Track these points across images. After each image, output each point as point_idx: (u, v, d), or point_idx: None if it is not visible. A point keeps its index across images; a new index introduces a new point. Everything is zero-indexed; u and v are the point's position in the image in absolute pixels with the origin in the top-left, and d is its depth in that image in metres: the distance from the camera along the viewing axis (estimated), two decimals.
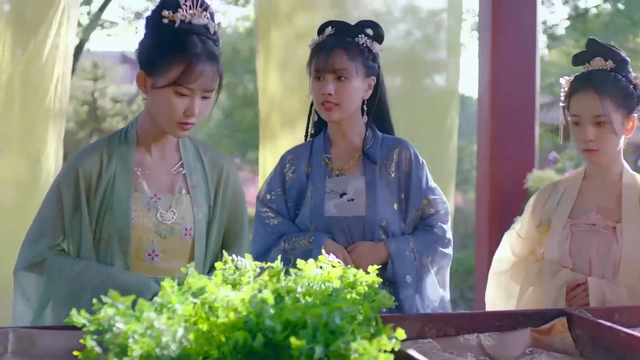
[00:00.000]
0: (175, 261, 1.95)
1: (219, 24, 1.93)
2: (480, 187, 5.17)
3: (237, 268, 1.49)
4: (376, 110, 2.31)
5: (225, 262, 1.49)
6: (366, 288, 1.43)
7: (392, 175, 2.27)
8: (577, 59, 2.27)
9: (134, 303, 1.19)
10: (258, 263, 1.51)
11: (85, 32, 12.01)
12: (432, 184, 2.34)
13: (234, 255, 1.54)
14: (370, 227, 2.22)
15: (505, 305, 2.31)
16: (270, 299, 1.21)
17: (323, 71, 2.19)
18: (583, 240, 2.21)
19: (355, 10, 4.33)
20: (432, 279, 2.26)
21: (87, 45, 12.21)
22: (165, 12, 1.86)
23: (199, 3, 1.89)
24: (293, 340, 1.12)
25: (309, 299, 1.31)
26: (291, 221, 2.27)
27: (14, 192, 3.36)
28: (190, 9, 1.87)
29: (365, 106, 2.28)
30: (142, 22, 1.94)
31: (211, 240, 2.04)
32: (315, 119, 2.34)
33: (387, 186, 2.25)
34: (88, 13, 12.05)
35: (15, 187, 3.35)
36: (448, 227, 2.33)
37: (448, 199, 3.28)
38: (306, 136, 2.39)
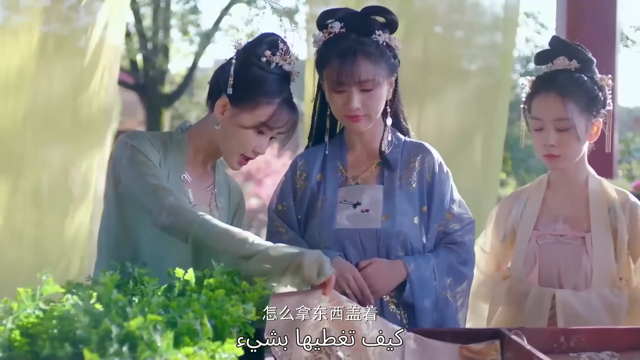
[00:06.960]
0: None
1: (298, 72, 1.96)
2: None
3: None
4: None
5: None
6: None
7: (414, 185, 2.02)
8: (540, 58, 2.08)
9: None
10: None
11: (202, 43, 12.43)
12: (457, 195, 2.08)
13: None
14: (385, 242, 1.96)
15: (469, 326, 2.14)
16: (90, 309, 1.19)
17: (347, 84, 1.94)
18: (550, 252, 2.04)
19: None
20: (451, 306, 1.98)
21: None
22: (267, 52, 1.89)
23: (288, 51, 1.92)
24: (86, 351, 1.09)
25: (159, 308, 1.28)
26: (300, 236, 2.06)
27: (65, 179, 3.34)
28: (284, 54, 1.91)
29: (388, 107, 2.03)
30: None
31: None
32: (328, 125, 2.10)
33: (407, 197, 2.01)
34: (197, 24, 12.44)
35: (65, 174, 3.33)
36: (472, 245, 2.07)
37: None
38: (309, 141, 2.16)
